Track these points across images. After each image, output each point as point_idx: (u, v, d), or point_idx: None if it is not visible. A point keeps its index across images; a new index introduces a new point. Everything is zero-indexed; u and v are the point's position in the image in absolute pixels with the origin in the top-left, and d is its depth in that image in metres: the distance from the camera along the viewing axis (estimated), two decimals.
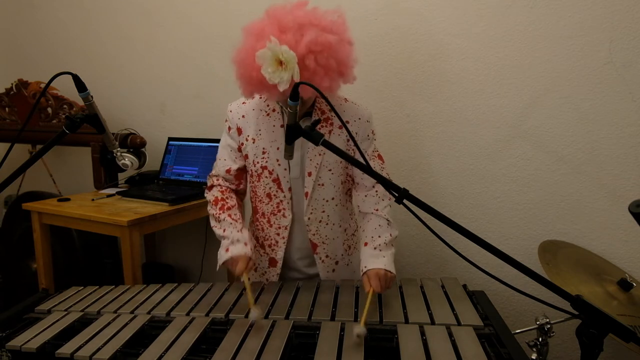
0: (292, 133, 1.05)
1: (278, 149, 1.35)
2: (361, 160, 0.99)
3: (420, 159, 1.99)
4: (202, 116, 2.47)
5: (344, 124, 1.01)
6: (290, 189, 1.38)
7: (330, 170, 1.37)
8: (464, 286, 1.35)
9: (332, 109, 1.04)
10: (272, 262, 1.46)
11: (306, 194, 1.37)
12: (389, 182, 0.95)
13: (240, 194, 1.50)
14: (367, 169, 0.98)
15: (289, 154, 1.10)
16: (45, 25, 2.90)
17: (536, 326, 1.21)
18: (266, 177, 1.38)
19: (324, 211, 1.41)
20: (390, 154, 2.01)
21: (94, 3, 2.68)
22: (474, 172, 1.90)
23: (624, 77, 1.62)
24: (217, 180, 1.46)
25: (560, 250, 1.63)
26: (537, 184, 1.80)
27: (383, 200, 1.39)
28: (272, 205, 1.40)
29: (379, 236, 1.33)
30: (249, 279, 1.26)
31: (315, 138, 1.02)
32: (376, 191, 1.39)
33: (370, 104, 2.00)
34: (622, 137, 1.66)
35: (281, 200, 1.39)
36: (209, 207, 1.43)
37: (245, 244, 1.31)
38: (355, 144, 0.98)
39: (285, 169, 1.36)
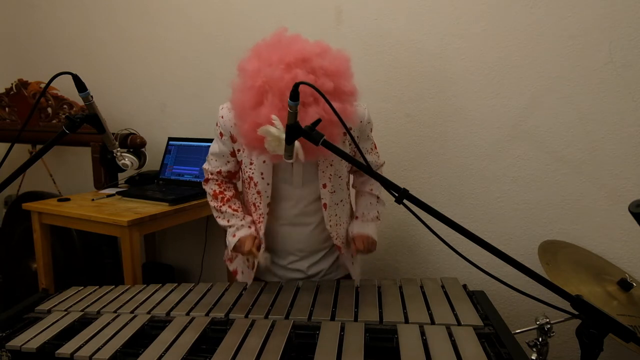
0: (292, 133, 1.04)
1: (264, 162, 1.33)
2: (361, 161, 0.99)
3: (420, 159, 1.99)
4: (202, 116, 2.47)
5: (348, 132, 1.02)
6: (269, 205, 1.39)
7: (340, 177, 1.41)
8: (464, 286, 1.35)
9: (339, 118, 1.02)
10: (252, 265, 1.48)
11: (324, 205, 1.39)
12: (389, 182, 0.95)
13: (235, 184, 1.55)
14: (369, 172, 0.99)
15: (288, 154, 1.10)
16: (45, 25, 2.90)
17: (536, 326, 1.21)
18: (252, 187, 1.39)
19: (337, 214, 1.45)
20: (390, 154, 2.01)
21: (94, 3, 2.68)
22: (474, 172, 1.90)
23: (624, 77, 1.62)
24: (212, 175, 1.49)
25: (560, 250, 1.63)
26: (537, 184, 1.80)
27: (376, 182, 1.47)
28: (256, 214, 1.43)
29: (369, 213, 1.50)
30: (257, 252, 1.38)
31: (315, 138, 1.02)
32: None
33: (370, 104, 1.98)
34: (622, 137, 1.65)
35: (261, 213, 1.41)
36: (209, 199, 1.49)
37: (249, 226, 1.43)
38: (360, 152, 1.01)
39: (268, 184, 1.36)
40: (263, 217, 1.40)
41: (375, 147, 1.51)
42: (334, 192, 1.41)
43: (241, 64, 1.22)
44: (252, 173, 1.36)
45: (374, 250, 1.48)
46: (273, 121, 1.09)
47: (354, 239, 1.45)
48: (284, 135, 1.07)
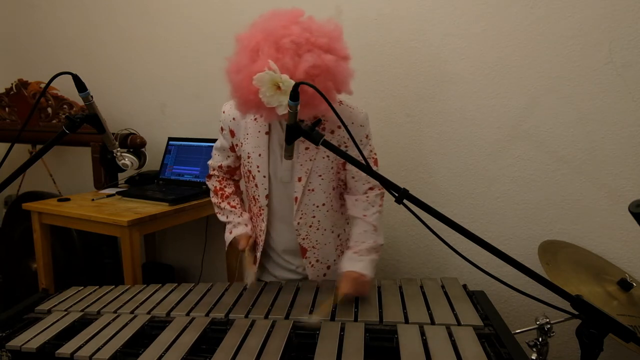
0: (292, 133, 1.04)
1: (260, 155, 1.35)
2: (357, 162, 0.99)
3: (420, 159, 1.99)
4: (202, 116, 2.47)
5: (346, 129, 1.01)
6: (267, 197, 1.39)
7: (320, 175, 1.36)
8: (464, 286, 1.35)
9: (337, 114, 1.01)
10: (254, 259, 1.49)
11: (295, 199, 1.37)
12: (389, 182, 0.95)
13: (237, 181, 1.58)
14: (367, 170, 0.98)
15: (289, 154, 1.10)
16: (45, 25, 2.90)
17: (536, 326, 1.21)
18: (251, 180, 1.40)
19: (314, 216, 1.40)
20: (390, 154, 2.01)
21: (94, 3, 2.68)
22: (474, 172, 1.90)
23: (624, 77, 1.62)
24: (214, 170, 1.55)
25: (560, 250, 1.63)
26: (537, 184, 1.80)
27: (373, 206, 1.37)
28: (256, 207, 1.44)
29: (363, 242, 1.35)
30: (249, 252, 1.44)
31: (316, 138, 1.02)
32: (367, 197, 1.37)
33: (371, 104, 2.00)
34: (622, 137, 1.65)
35: (261, 206, 1.41)
36: (211, 195, 1.55)
37: (246, 224, 1.47)
38: (357, 147, 0.99)
39: (265, 177, 1.37)
40: (263, 210, 1.41)
41: (375, 162, 1.41)
42: (312, 190, 1.36)
43: (238, 35, 1.21)
44: (250, 166, 1.38)
45: (366, 292, 1.29)
46: (270, 66, 1.07)
47: (341, 279, 1.28)
48: (280, 78, 1.06)
